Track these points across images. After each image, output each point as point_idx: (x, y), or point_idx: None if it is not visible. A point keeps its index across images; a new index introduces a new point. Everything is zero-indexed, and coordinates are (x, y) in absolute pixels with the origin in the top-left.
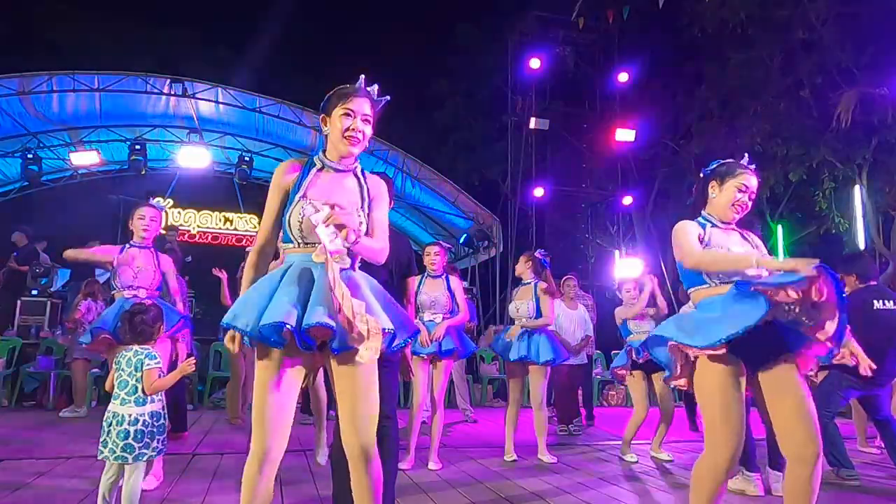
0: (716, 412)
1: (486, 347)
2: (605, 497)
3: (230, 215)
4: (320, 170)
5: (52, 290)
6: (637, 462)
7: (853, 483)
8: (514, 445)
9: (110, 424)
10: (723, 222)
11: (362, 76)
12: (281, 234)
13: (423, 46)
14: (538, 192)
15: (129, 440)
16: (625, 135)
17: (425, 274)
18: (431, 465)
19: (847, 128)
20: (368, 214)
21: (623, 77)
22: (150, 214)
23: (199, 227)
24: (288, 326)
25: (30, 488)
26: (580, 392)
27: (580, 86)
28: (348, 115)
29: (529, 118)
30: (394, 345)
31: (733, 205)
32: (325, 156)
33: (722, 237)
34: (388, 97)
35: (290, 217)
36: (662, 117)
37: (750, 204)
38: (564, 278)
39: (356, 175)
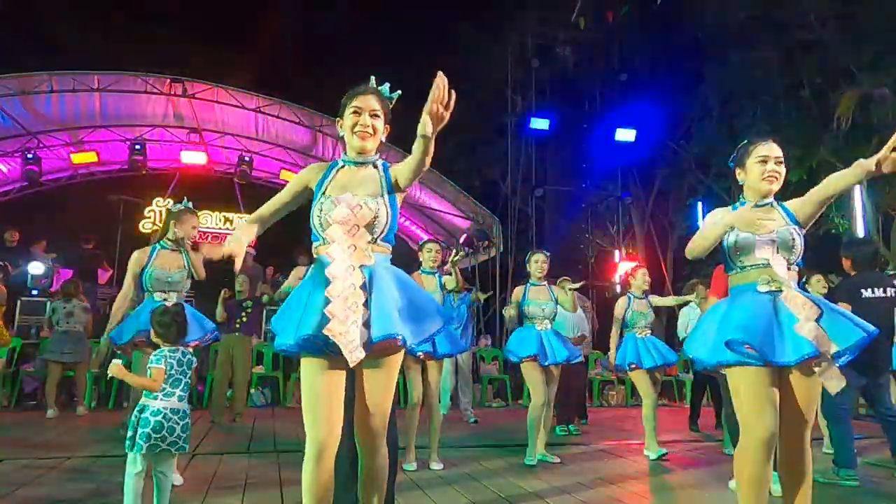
0: (748, 403)
1: (486, 347)
2: (605, 497)
3: (230, 215)
4: (341, 168)
5: (52, 290)
6: (666, 456)
7: (852, 483)
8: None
9: (168, 420)
10: (761, 200)
11: (373, 77)
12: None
13: (423, 46)
14: (538, 192)
15: (178, 432)
16: (625, 135)
17: (421, 270)
18: (433, 465)
19: (847, 128)
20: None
21: (623, 77)
22: (196, 224)
23: (199, 227)
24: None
25: (30, 488)
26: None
27: (580, 86)
28: (356, 112)
29: (529, 118)
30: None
31: (763, 178)
32: (346, 154)
33: (749, 214)
34: (399, 92)
35: (312, 214)
36: (662, 117)
37: (781, 170)
38: (560, 279)
39: (375, 165)
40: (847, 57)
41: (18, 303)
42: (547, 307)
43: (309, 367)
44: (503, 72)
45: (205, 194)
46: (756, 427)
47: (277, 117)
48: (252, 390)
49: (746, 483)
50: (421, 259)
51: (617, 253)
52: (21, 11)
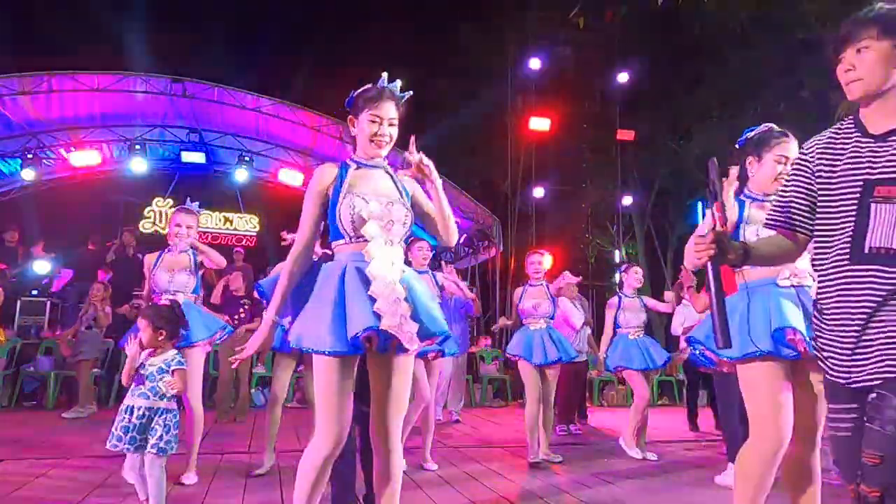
0: (765, 404)
1: (486, 347)
2: (605, 497)
3: (230, 215)
4: (355, 168)
5: (52, 290)
6: (660, 458)
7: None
8: (537, 445)
9: (175, 417)
10: (765, 195)
11: (384, 74)
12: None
13: (423, 46)
14: (538, 192)
15: (172, 430)
16: (624, 135)
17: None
18: (429, 466)
19: None
20: (424, 210)
21: (623, 77)
22: (185, 222)
23: (199, 226)
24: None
25: (30, 488)
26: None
27: (580, 86)
28: (374, 121)
29: (529, 118)
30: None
31: (776, 179)
32: (357, 155)
33: (760, 213)
34: (411, 92)
35: (339, 212)
36: (662, 117)
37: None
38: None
39: (386, 171)
40: None
41: (18, 303)
42: (542, 306)
43: (333, 367)
44: (503, 72)
45: (205, 194)
46: (775, 427)
47: (277, 117)
48: (252, 390)
49: (755, 485)
50: (410, 258)
51: (617, 253)
52: (21, 11)
